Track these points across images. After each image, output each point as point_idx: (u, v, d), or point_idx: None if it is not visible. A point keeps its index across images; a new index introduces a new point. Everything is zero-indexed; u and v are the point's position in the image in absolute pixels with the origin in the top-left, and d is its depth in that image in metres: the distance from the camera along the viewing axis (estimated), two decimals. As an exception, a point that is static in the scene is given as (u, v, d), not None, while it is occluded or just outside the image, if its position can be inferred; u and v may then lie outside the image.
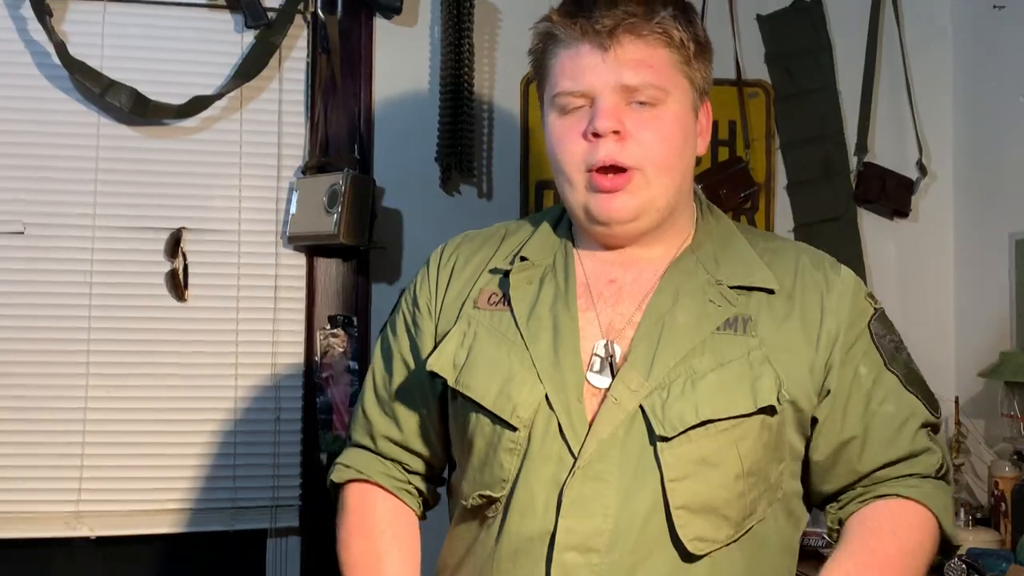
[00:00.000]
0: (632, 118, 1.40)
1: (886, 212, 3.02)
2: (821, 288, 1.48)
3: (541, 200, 2.87)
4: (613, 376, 1.39)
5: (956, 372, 2.98)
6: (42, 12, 2.57)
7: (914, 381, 1.50)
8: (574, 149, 1.41)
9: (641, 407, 1.37)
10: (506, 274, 1.49)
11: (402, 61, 2.83)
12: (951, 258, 3.04)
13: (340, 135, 2.75)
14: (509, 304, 1.46)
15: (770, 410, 1.38)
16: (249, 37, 2.73)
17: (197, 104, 2.67)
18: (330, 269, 2.76)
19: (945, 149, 3.05)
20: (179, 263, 2.67)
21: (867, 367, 1.46)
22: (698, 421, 1.35)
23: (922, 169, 3.02)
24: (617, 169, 1.40)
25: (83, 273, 2.67)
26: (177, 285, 2.67)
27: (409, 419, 1.58)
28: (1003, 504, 2.53)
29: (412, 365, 1.56)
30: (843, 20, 3.04)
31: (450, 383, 1.44)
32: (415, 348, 1.56)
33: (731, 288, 1.45)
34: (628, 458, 1.35)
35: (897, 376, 1.47)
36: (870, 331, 1.48)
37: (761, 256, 1.50)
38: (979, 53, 2.97)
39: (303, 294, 2.76)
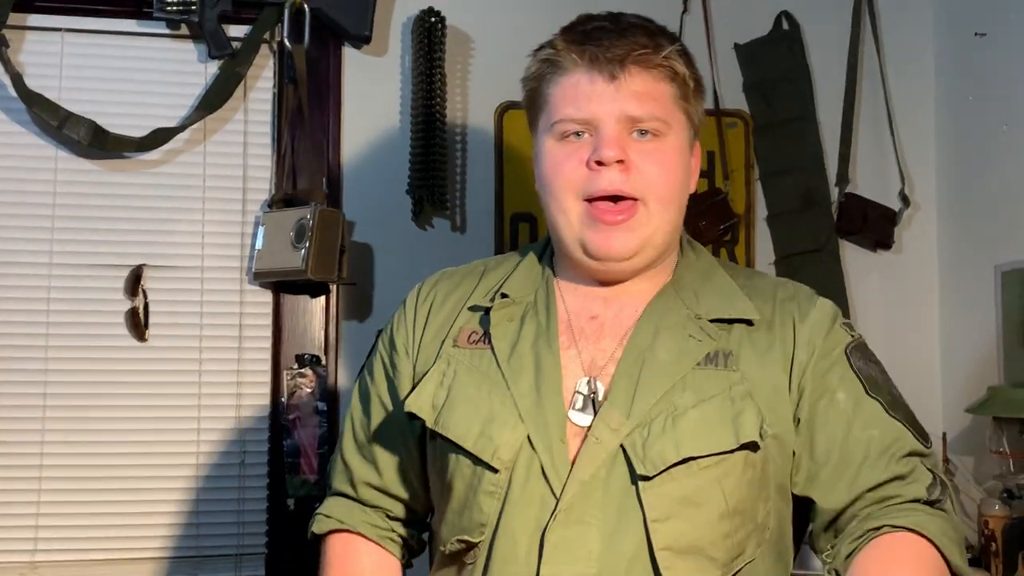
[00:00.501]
0: (635, 149, 1.40)
1: (868, 244, 2.99)
2: (795, 318, 1.48)
3: (516, 233, 2.81)
4: (596, 414, 1.38)
5: (943, 408, 2.95)
6: (-3, 43, 2.51)
7: (899, 408, 1.46)
8: (572, 177, 1.40)
9: (622, 446, 1.35)
10: (487, 311, 1.47)
11: (372, 91, 2.77)
12: (936, 291, 3.01)
13: (308, 167, 2.68)
14: (490, 342, 1.44)
15: (753, 446, 1.37)
16: (213, 67, 2.67)
17: (159, 137, 2.60)
18: (297, 306, 2.68)
19: (928, 179, 3.03)
20: (139, 301, 2.60)
21: (846, 393, 1.44)
22: (679, 459, 1.33)
23: (905, 200, 2.99)
24: (618, 199, 1.39)
25: (40, 312, 2.59)
26: (137, 324, 2.58)
27: (389, 463, 1.57)
28: (993, 544, 2.49)
29: (390, 407, 1.55)
30: (822, 48, 3.01)
31: (428, 424, 1.42)
32: (393, 390, 1.55)
33: (711, 322, 1.44)
34: (610, 499, 1.34)
35: (880, 402, 1.44)
36: (847, 358, 1.46)
37: (741, 289, 1.50)
38: (962, 81, 2.95)
39: (269, 332, 2.68)
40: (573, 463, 1.35)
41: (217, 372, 2.65)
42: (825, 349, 1.45)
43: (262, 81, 2.73)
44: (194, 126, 2.64)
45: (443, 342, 1.48)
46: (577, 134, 1.41)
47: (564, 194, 1.40)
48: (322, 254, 2.52)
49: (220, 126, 2.70)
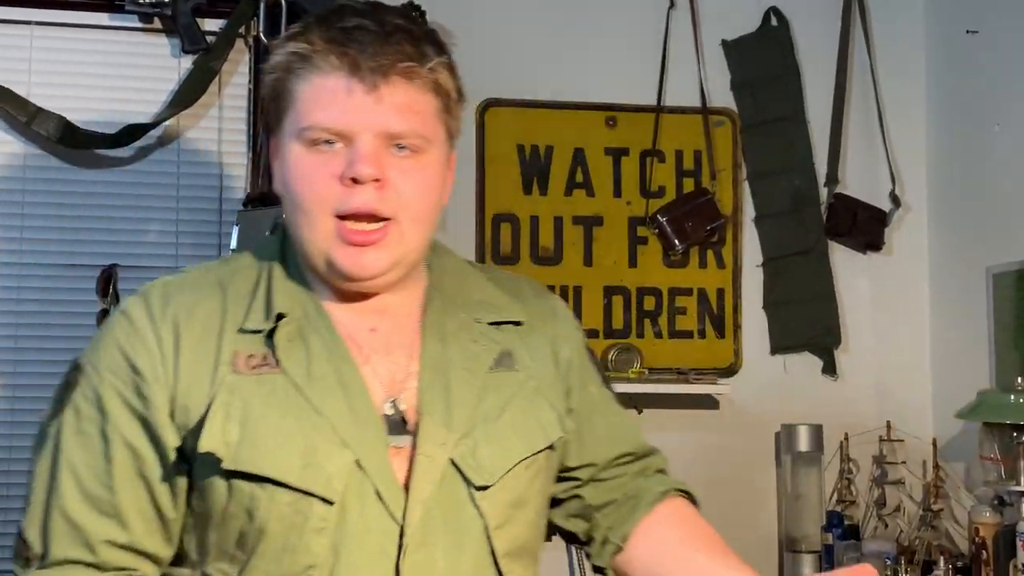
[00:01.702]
0: (393, 165, 1.30)
1: (858, 245, 2.95)
2: (549, 315, 1.51)
3: (499, 233, 2.76)
4: (408, 432, 1.33)
5: (933, 413, 2.92)
6: (-36, 36, 2.45)
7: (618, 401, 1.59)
8: (323, 192, 1.29)
9: (451, 460, 1.32)
10: (268, 333, 1.31)
11: (351, 87, 2.71)
12: (926, 293, 2.98)
13: (285, 166, 2.62)
14: (280, 366, 1.30)
15: (558, 441, 1.43)
16: (187, 62, 2.62)
17: (131, 133, 2.55)
18: (273, 308, 2.62)
19: (919, 179, 3.00)
20: (111, 303, 2.53)
21: (595, 386, 1.53)
22: (513, 463, 1.35)
23: (895, 200, 2.96)
24: (371, 218, 1.30)
25: (9, 314, 2.54)
26: (108, 326, 2.51)
27: (140, 515, 1.30)
28: (984, 552, 2.46)
29: (143, 447, 1.29)
30: (812, 45, 2.97)
31: (226, 464, 1.25)
32: (147, 424, 1.29)
33: (489, 324, 1.44)
34: (449, 516, 1.31)
35: (613, 394, 1.56)
36: (588, 352, 1.55)
37: (499, 289, 1.50)
38: (953, 79, 2.92)
39: (244, 334, 2.61)
40: (406, 485, 1.29)
41: (191, 375, 2.58)
42: (577, 345, 1.52)
43: (237, 76, 2.68)
44: (167, 122, 2.59)
45: (216, 369, 1.29)
46: (328, 142, 1.30)
47: (314, 209, 1.29)
48: (299, 254, 2.46)
49: (194, 122, 2.65)
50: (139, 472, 1.29)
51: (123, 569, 1.31)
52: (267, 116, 1.37)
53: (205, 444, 1.24)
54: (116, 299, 2.51)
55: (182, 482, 1.29)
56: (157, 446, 1.28)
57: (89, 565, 1.29)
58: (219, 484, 1.26)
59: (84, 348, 1.33)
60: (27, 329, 2.54)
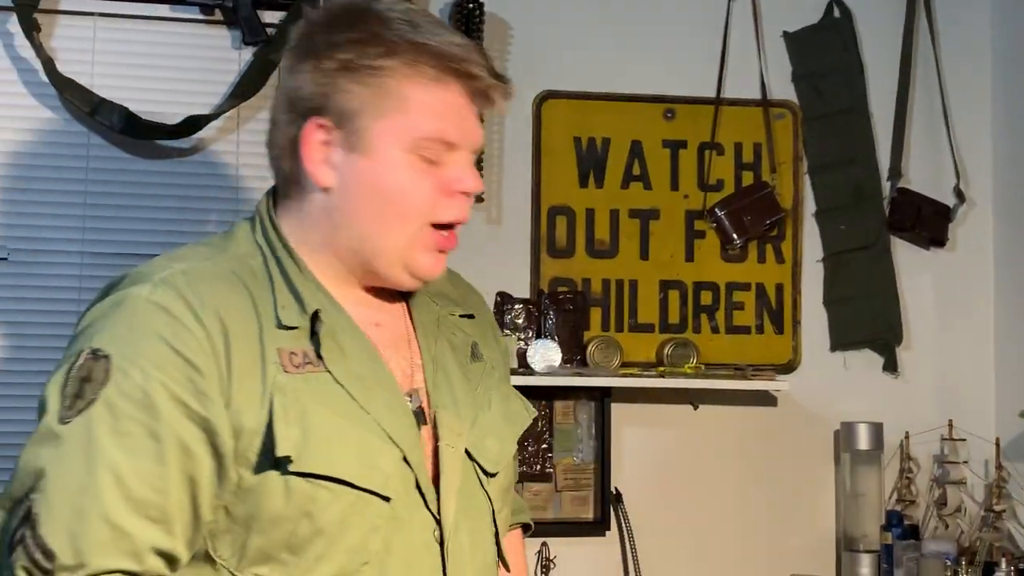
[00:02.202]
0: None
1: (922, 241, 2.90)
2: (482, 305, 1.61)
3: (554, 226, 2.75)
4: (425, 423, 1.36)
5: (996, 412, 2.87)
6: (30, 27, 2.47)
7: None
8: (426, 201, 1.32)
9: (467, 449, 1.38)
10: (312, 331, 1.30)
11: (408, 79, 2.71)
12: (991, 290, 2.93)
13: (342, 157, 2.63)
14: (323, 365, 1.29)
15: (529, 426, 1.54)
16: (247, 54, 2.63)
17: (192, 124, 2.56)
18: (330, 298, 2.63)
19: (984, 174, 2.94)
20: (170, 292, 2.54)
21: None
22: (512, 451, 1.46)
23: (960, 195, 2.90)
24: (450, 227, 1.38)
25: (71, 302, 2.55)
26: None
27: (186, 522, 1.24)
28: None
29: (197, 447, 1.23)
30: (875, 37, 2.93)
31: (296, 467, 1.23)
32: (204, 424, 1.23)
33: (460, 317, 1.51)
34: (470, 503, 1.37)
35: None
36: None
37: (447, 280, 1.53)
38: (1020, 72, 2.86)
39: (301, 324, 2.63)
40: (435, 476, 1.33)
41: (248, 364, 2.60)
42: (499, 333, 1.64)
43: (297, 68, 2.68)
44: (227, 114, 2.60)
45: (263, 367, 1.26)
46: (434, 154, 1.32)
47: (413, 217, 1.32)
48: (355, 245, 2.47)
49: (253, 114, 2.64)
50: (189, 475, 1.23)
51: None
52: (332, 102, 1.31)
53: (283, 447, 1.22)
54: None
55: (229, 484, 1.25)
56: (212, 447, 1.23)
57: (132, 575, 1.21)
58: (276, 486, 1.24)
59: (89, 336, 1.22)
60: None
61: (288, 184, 1.37)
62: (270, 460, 1.23)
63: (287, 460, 1.22)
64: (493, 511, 1.40)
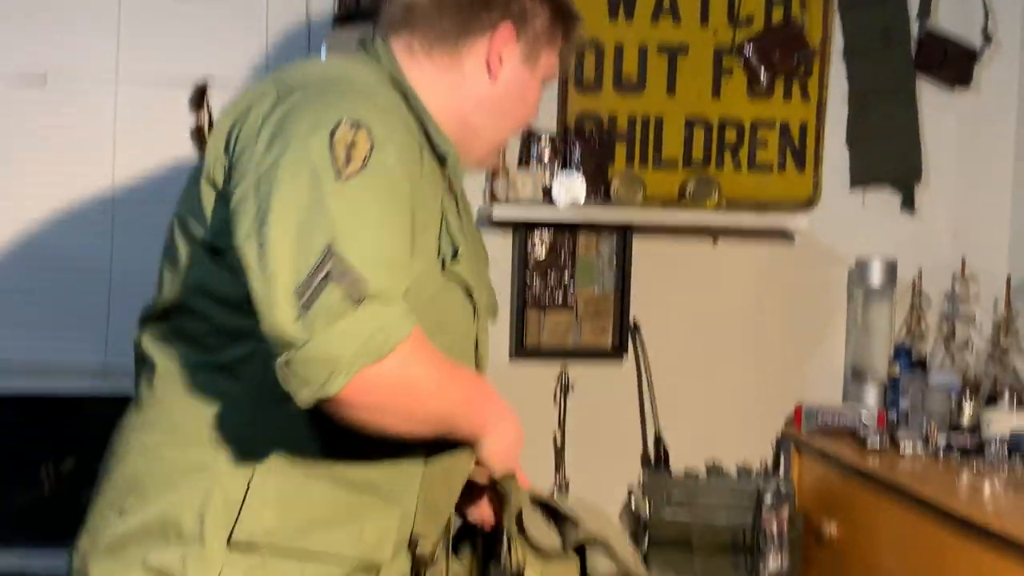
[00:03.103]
0: None
1: (946, 80, 2.89)
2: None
3: (582, 59, 2.75)
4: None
5: (1010, 251, 2.91)
6: None
7: None
8: (526, 119, 1.63)
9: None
10: (442, 162, 1.51)
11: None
12: (1012, 132, 2.93)
13: (372, -19, 2.62)
14: (453, 199, 1.54)
15: None
16: None
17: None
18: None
19: (1014, 14, 2.91)
20: (204, 118, 2.58)
21: None
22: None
23: (987, 36, 2.88)
24: None
25: (106, 126, 2.60)
26: (203, 142, 2.58)
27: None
28: None
29: (410, 224, 1.36)
30: None
31: (453, 265, 1.48)
32: (417, 203, 1.39)
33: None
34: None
35: None
36: None
37: None
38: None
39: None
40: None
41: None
42: None
43: None
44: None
45: (434, 189, 1.47)
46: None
47: (520, 126, 1.64)
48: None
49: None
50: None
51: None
52: (530, 25, 1.54)
53: (447, 252, 1.46)
54: (209, 113, 2.57)
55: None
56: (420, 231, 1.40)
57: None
58: (434, 280, 1.44)
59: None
60: (124, 141, 2.60)
61: (431, 45, 1.50)
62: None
63: (453, 259, 1.46)
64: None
